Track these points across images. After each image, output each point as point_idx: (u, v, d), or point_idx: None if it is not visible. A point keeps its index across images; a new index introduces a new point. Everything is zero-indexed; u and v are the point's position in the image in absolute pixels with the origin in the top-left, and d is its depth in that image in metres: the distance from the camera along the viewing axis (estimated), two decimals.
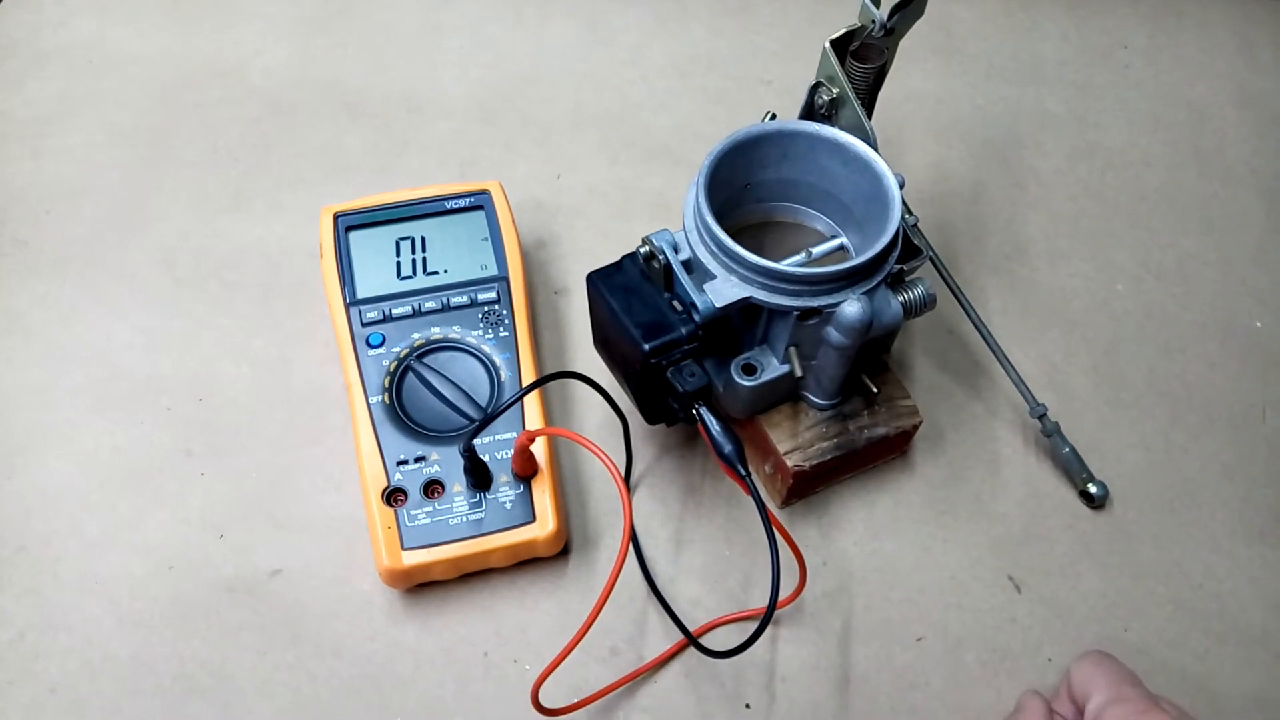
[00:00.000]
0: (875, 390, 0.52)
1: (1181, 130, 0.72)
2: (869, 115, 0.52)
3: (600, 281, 0.48)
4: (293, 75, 0.72)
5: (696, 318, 0.46)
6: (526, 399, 0.52)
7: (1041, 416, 0.55)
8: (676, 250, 0.47)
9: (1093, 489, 0.53)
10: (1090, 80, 0.74)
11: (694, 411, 0.45)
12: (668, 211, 0.66)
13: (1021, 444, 0.57)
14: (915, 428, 0.53)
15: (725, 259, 0.46)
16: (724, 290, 0.46)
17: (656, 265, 0.47)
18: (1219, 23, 0.78)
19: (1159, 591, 0.52)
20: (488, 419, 0.45)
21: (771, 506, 0.54)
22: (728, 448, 0.45)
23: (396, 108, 0.71)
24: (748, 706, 0.49)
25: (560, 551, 0.52)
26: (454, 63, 0.74)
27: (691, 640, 0.48)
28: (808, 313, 0.46)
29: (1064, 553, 0.54)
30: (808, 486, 0.54)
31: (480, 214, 0.58)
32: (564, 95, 0.72)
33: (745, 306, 0.46)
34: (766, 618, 0.44)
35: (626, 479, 0.54)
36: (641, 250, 0.47)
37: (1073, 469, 0.54)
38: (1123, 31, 0.77)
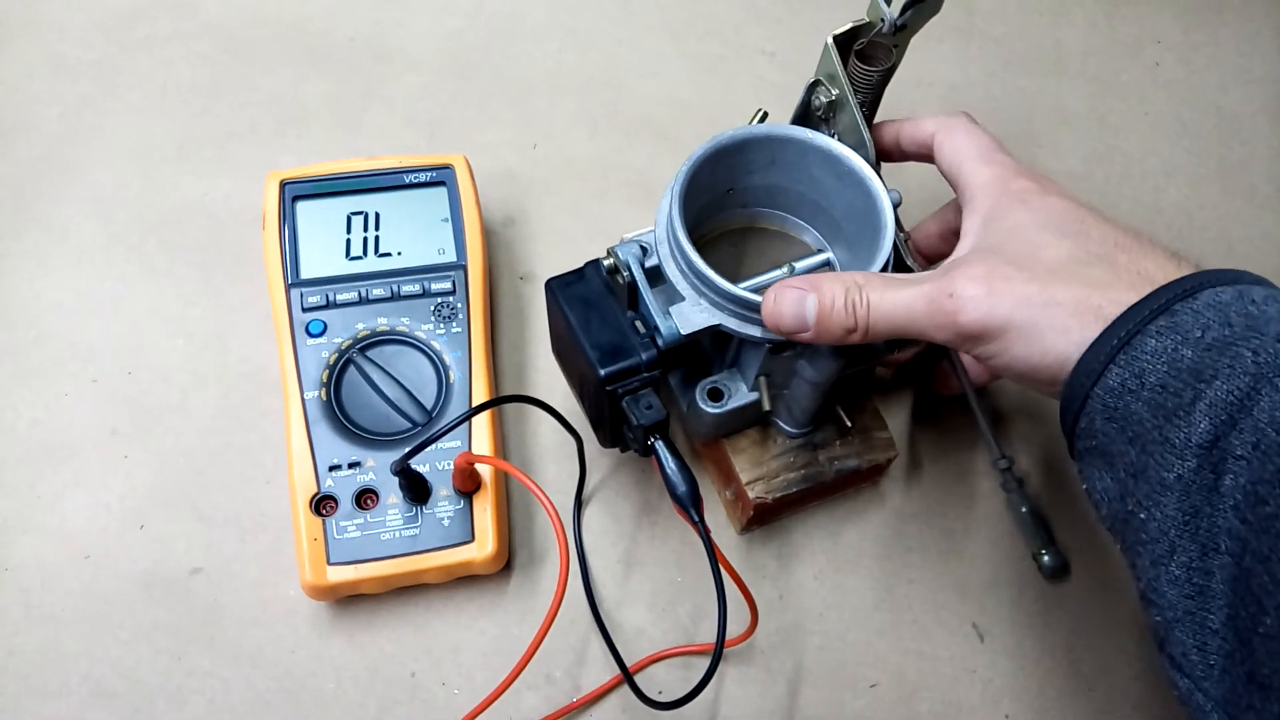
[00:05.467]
0: (850, 424, 0.48)
1: (1208, 140, 0.67)
2: (870, 120, 0.47)
3: (559, 291, 0.44)
4: (252, 11, 0.66)
5: (660, 343, 0.42)
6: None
7: (1006, 470, 0.51)
8: (646, 257, 0.43)
9: (1045, 558, 0.49)
10: (1116, 76, 0.69)
11: (650, 444, 0.42)
12: (648, 194, 0.61)
13: (1001, 482, 0.53)
14: (889, 461, 0.50)
15: (696, 281, 0.42)
16: (691, 316, 0.42)
17: (620, 281, 0.43)
18: (1262, 20, 0.72)
19: (1130, 650, 0.50)
20: (424, 443, 0.41)
21: (730, 531, 0.51)
22: (681, 488, 0.41)
23: (362, 55, 0.65)
24: None
25: (502, 567, 0.49)
26: (428, 9, 0.67)
27: (631, 684, 0.45)
28: (781, 345, 0.42)
29: (1033, 601, 0.51)
30: (769, 515, 0.51)
31: (442, 191, 0.54)
32: (545, 54, 0.67)
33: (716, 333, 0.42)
34: (710, 671, 0.41)
35: (578, 495, 0.51)
36: (605, 262, 0.43)
37: (1027, 531, 0.51)
38: (1156, 24, 0.72)
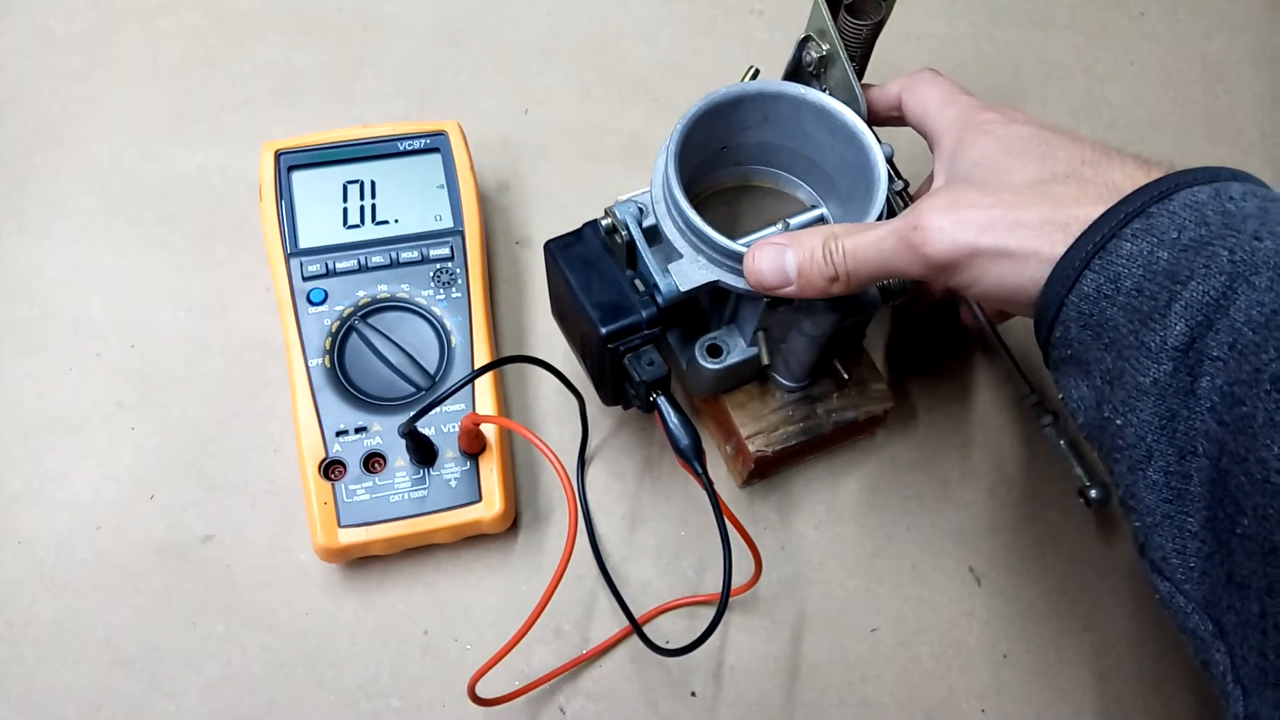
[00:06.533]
0: (846, 377, 0.49)
1: (1193, 89, 0.67)
2: (861, 75, 0.47)
3: (558, 252, 0.44)
4: None
5: (659, 300, 0.42)
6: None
7: (1036, 404, 0.52)
8: (642, 217, 0.44)
9: (1093, 493, 0.49)
10: (1102, 27, 0.69)
11: (652, 400, 0.43)
12: (642, 156, 0.61)
13: (996, 428, 0.55)
14: (885, 413, 0.51)
15: (693, 238, 0.43)
16: (690, 273, 0.43)
17: (619, 240, 0.43)
18: None
19: (1122, 590, 0.51)
20: (431, 404, 0.42)
21: (731, 485, 0.52)
22: (684, 442, 0.42)
23: (353, 23, 0.65)
24: (693, 695, 0.48)
25: (509, 526, 0.50)
26: None
27: (639, 632, 0.46)
28: (779, 299, 0.43)
29: (1028, 545, 0.52)
30: (769, 468, 0.52)
31: (436, 157, 0.54)
32: (536, 18, 0.67)
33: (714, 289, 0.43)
34: (716, 619, 0.42)
35: (581, 454, 0.52)
36: (603, 222, 0.44)
37: (1068, 466, 0.51)
38: None
